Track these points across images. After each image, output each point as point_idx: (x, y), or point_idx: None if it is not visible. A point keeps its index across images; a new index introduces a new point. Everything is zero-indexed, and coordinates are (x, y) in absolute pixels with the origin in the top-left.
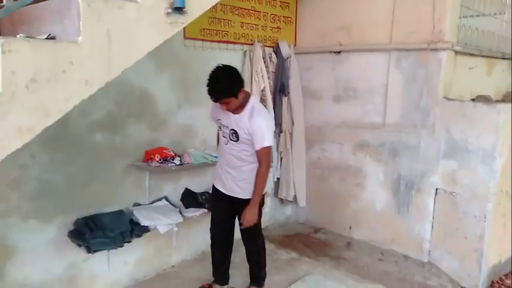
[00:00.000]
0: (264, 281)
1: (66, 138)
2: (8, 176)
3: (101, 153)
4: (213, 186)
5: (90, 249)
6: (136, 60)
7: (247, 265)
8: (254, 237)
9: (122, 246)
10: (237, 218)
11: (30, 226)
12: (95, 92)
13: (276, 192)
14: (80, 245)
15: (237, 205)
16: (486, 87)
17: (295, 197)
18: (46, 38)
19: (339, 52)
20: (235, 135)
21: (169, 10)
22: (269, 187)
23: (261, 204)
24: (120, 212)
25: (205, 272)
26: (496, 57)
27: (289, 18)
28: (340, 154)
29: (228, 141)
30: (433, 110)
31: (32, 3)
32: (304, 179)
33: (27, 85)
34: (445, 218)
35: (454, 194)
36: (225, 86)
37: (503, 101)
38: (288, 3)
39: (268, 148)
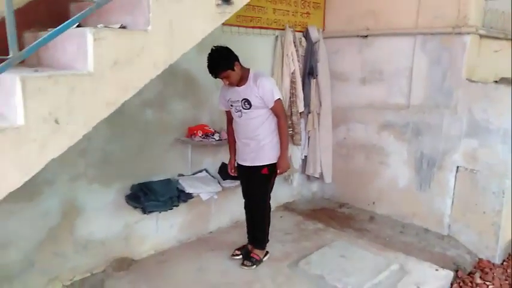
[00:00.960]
0: (265, 245)
1: (123, 114)
2: (77, 146)
3: (151, 128)
4: (237, 163)
5: (145, 211)
6: (193, 45)
7: (276, 233)
8: (261, 203)
9: (171, 209)
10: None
11: (94, 189)
12: (160, 72)
13: (303, 169)
14: (135, 207)
15: (253, 172)
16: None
17: (321, 174)
18: (120, 27)
19: (366, 36)
20: (247, 102)
21: (219, 2)
22: (297, 164)
23: (271, 173)
24: (168, 180)
25: (240, 237)
26: None
27: (318, 4)
28: (365, 134)
29: (241, 113)
30: (456, 92)
31: None
32: (330, 157)
33: (111, 66)
34: (465, 194)
35: (474, 171)
36: (219, 61)
37: None
38: None
39: (280, 100)
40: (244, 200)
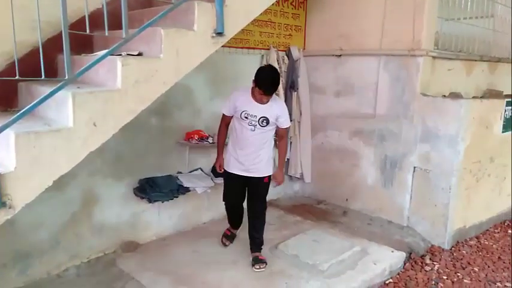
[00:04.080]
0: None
1: (132, 120)
2: None
3: (155, 132)
4: (226, 171)
5: (151, 200)
6: (193, 67)
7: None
8: (264, 205)
9: (172, 199)
10: (248, 194)
11: (108, 183)
12: (168, 88)
13: (286, 171)
14: (142, 198)
15: (253, 182)
16: (466, 85)
17: (302, 175)
18: (137, 55)
19: (340, 56)
20: (265, 121)
21: (214, 34)
22: None
23: (269, 181)
24: (169, 176)
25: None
26: (475, 60)
27: (299, 27)
28: (340, 139)
29: (255, 128)
30: (412, 104)
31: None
32: (309, 159)
33: (133, 84)
34: (420, 190)
35: (427, 171)
36: (278, 81)
37: (482, 97)
38: (299, 14)
39: (290, 126)
40: (227, 205)
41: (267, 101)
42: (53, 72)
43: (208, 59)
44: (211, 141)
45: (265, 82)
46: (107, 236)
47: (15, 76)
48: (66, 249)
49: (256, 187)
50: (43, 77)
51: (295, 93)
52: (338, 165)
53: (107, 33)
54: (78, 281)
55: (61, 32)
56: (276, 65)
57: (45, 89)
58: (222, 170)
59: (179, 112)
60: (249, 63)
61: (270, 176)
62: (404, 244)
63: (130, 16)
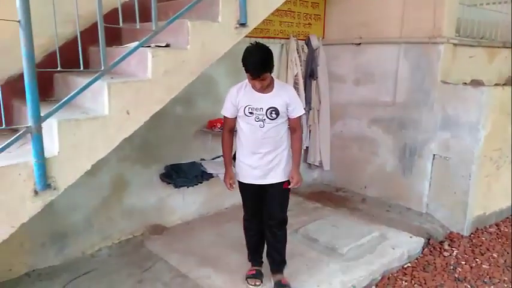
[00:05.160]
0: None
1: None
2: None
3: (180, 121)
4: (240, 183)
5: (176, 185)
6: (217, 58)
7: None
8: (284, 218)
9: (196, 185)
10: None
11: (136, 169)
12: (195, 78)
13: (305, 158)
14: (168, 183)
15: (270, 191)
16: (488, 73)
17: (320, 162)
18: (165, 46)
19: (359, 44)
20: (274, 112)
21: (237, 25)
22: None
23: (289, 189)
24: (193, 163)
25: None
26: (498, 47)
27: (319, 16)
28: (359, 127)
29: (263, 123)
30: (433, 92)
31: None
32: (328, 147)
33: (163, 74)
34: (439, 177)
35: (447, 159)
36: (267, 59)
37: (504, 84)
38: (318, 3)
39: (302, 116)
40: (248, 222)
41: (262, 86)
42: (85, 64)
43: (229, 49)
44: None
45: (249, 62)
46: (135, 219)
47: (52, 67)
48: (98, 230)
49: (275, 196)
50: (81, 68)
51: (315, 82)
52: (357, 153)
53: (138, 26)
54: (110, 261)
55: (93, 24)
56: (295, 55)
57: (81, 80)
58: (233, 188)
59: (202, 101)
60: None
61: (288, 180)
62: (423, 230)
63: (158, 8)
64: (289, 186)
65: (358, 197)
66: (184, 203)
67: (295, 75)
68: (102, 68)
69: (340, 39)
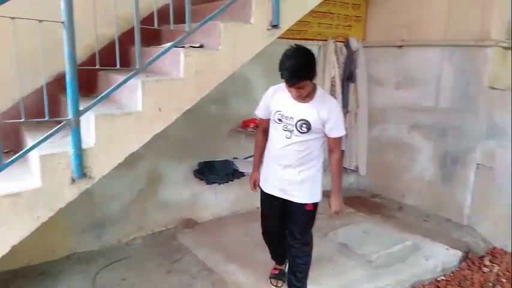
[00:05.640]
0: None
1: (193, 108)
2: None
3: (214, 120)
4: (261, 190)
5: (208, 182)
6: (249, 59)
7: None
8: (306, 242)
9: (227, 182)
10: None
11: (171, 164)
12: (226, 77)
13: None
14: (201, 179)
15: (291, 209)
16: None
17: (356, 167)
18: (198, 46)
19: (401, 46)
20: (305, 125)
21: (270, 27)
22: None
23: (315, 209)
24: (226, 161)
25: None
26: None
27: (360, 17)
28: (398, 132)
29: (291, 134)
30: (478, 98)
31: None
32: (365, 152)
33: (194, 74)
34: (483, 188)
35: (492, 169)
36: (308, 65)
37: None
38: (359, 5)
39: (342, 137)
40: (264, 233)
41: (300, 95)
42: (126, 62)
43: (265, 50)
44: None
45: (284, 67)
46: (169, 213)
47: (95, 66)
48: (134, 221)
49: (295, 216)
50: (117, 66)
51: (353, 84)
52: (395, 159)
53: (172, 27)
54: (143, 250)
55: (139, 25)
56: (333, 57)
57: (120, 78)
58: (257, 188)
59: (237, 101)
60: None
61: (316, 203)
62: (462, 243)
63: (195, 10)
64: (330, 214)
65: (395, 204)
66: (217, 200)
67: (332, 77)
68: (138, 66)
69: (381, 41)
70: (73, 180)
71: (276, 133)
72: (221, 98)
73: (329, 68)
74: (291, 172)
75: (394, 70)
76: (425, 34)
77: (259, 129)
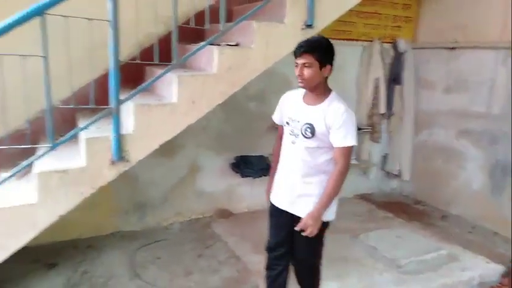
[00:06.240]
0: None
1: (233, 103)
2: (201, 123)
3: (252, 116)
4: (270, 201)
5: (242, 175)
6: (282, 57)
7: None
8: (310, 267)
9: (261, 177)
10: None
11: (209, 155)
12: (257, 74)
13: (382, 166)
14: (236, 172)
15: (296, 225)
16: None
17: (399, 172)
18: (234, 45)
19: (453, 48)
20: (309, 129)
21: (303, 26)
22: (375, 159)
23: (324, 230)
24: (261, 156)
25: None
26: None
27: (410, 18)
28: (446, 138)
29: (296, 139)
30: None
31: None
32: (409, 156)
33: (227, 70)
34: None
35: None
36: (318, 43)
37: None
38: (410, 5)
39: (351, 148)
40: (267, 252)
41: (302, 78)
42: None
43: None
44: None
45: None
46: (205, 202)
47: (144, 61)
48: (173, 207)
49: (299, 234)
50: (157, 61)
51: (399, 86)
52: (441, 166)
53: (207, 27)
54: (180, 235)
55: (180, 25)
56: (378, 58)
57: (160, 72)
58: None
59: (276, 99)
60: (349, 55)
61: (324, 222)
62: (507, 258)
63: (237, 10)
64: (296, 228)
65: (438, 213)
66: (252, 193)
67: (376, 79)
68: (174, 61)
69: (433, 42)
70: (112, 162)
71: (284, 138)
72: (260, 95)
73: (373, 70)
74: (298, 183)
75: (444, 73)
76: (479, 36)
77: (277, 137)
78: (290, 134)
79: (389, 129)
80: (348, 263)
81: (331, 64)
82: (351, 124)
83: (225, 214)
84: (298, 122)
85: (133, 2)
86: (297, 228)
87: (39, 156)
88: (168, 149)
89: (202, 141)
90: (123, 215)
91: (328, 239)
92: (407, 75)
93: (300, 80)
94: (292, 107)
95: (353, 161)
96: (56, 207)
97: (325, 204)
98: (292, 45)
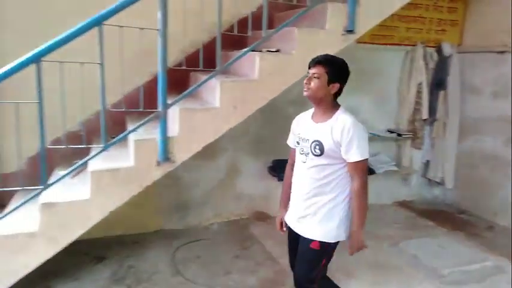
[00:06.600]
0: None
1: (272, 108)
2: (241, 128)
3: (290, 120)
4: (286, 222)
5: (279, 179)
6: None
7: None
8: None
9: None
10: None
11: (248, 159)
12: (297, 79)
13: (424, 172)
14: (274, 176)
15: (300, 244)
16: None
17: (442, 179)
18: (275, 51)
19: (503, 52)
20: (318, 147)
21: (344, 32)
22: (416, 166)
23: (323, 252)
24: None
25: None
26: None
27: (456, 21)
28: (493, 146)
29: (306, 158)
30: None
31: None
32: (453, 164)
33: (267, 76)
34: None
35: None
36: (333, 60)
37: None
38: (456, 8)
39: (364, 162)
40: (293, 274)
41: (309, 88)
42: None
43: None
44: None
45: None
46: (243, 204)
47: (189, 67)
48: (212, 208)
49: (301, 251)
50: (201, 68)
51: (443, 92)
52: (488, 174)
53: (250, 33)
54: (219, 235)
55: (223, 32)
56: (421, 62)
57: (204, 77)
58: (284, 229)
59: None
60: (391, 60)
61: (325, 243)
62: None
63: (278, 17)
64: (349, 253)
65: (484, 223)
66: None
67: (419, 84)
68: (218, 67)
69: (480, 46)
70: (158, 163)
71: (296, 159)
72: (299, 99)
73: (416, 74)
74: (308, 202)
75: (492, 77)
76: None
77: (288, 162)
78: (301, 153)
79: (432, 136)
80: (387, 271)
81: (341, 84)
82: (361, 137)
83: (262, 216)
84: (308, 140)
85: (179, 11)
86: (350, 254)
87: (93, 156)
88: (209, 152)
89: (241, 145)
90: (166, 214)
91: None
92: (453, 79)
93: (305, 89)
94: (302, 127)
95: (393, 167)
96: (106, 203)
97: (359, 222)
98: (333, 51)
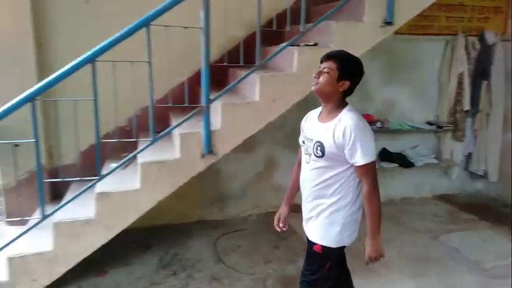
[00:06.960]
0: None
1: (308, 102)
2: (277, 122)
3: None
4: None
5: None
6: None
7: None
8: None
9: None
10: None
11: (285, 152)
12: None
13: (466, 166)
14: None
15: (307, 244)
16: None
17: (485, 172)
18: (313, 45)
19: None
20: (320, 148)
21: (382, 24)
22: (458, 158)
23: (327, 257)
24: None
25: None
26: None
27: (500, 8)
28: None
29: (309, 158)
30: None
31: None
32: (497, 156)
33: (305, 70)
34: None
35: None
36: (345, 56)
37: None
38: None
39: (370, 165)
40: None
41: (317, 82)
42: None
43: (383, 47)
44: (379, 126)
45: None
46: (281, 196)
47: (228, 63)
48: (251, 199)
49: (307, 253)
50: (241, 63)
51: (486, 82)
52: None
53: (288, 28)
54: (257, 226)
55: (260, 28)
56: (462, 52)
57: (243, 73)
58: (281, 226)
59: (351, 96)
60: (430, 50)
61: (327, 248)
62: None
63: (316, 11)
64: (365, 263)
65: None
66: None
67: (460, 74)
68: (257, 63)
69: None
70: (202, 155)
71: (301, 158)
72: None
73: (457, 64)
74: (312, 204)
75: None
76: None
77: (297, 159)
78: (305, 154)
79: (474, 127)
80: (427, 263)
81: (352, 83)
82: (364, 139)
83: (297, 208)
84: (312, 140)
85: (220, 9)
86: (366, 264)
87: (143, 149)
88: (248, 145)
89: (278, 139)
90: (207, 205)
91: (406, 239)
92: (496, 69)
93: (313, 83)
94: (308, 126)
95: (433, 160)
96: (155, 193)
97: (374, 229)
98: (371, 43)
